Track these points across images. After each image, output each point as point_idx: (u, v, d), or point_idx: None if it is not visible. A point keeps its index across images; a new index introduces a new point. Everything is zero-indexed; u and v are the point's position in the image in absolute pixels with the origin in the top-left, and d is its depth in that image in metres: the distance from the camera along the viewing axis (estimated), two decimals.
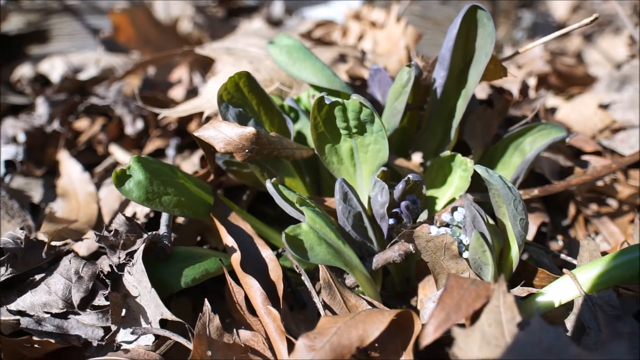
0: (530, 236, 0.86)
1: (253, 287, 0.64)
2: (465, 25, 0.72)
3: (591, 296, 0.61)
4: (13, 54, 1.58)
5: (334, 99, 0.66)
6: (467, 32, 0.73)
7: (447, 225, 0.66)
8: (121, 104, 1.12)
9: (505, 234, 0.66)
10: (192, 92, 1.34)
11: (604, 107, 1.18)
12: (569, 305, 0.64)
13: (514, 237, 0.64)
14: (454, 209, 0.66)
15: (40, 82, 1.40)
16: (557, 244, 0.91)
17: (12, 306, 0.67)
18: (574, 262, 0.80)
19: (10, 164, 1.04)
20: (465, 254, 0.63)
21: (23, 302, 0.67)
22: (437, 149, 0.82)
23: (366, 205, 0.70)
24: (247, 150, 0.66)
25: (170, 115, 0.90)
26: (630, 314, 0.62)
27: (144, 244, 0.64)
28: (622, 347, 0.48)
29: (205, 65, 1.45)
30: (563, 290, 0.61)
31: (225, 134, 0.66)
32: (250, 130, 0.65)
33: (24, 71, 1.44)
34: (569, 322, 0.64)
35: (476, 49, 0.74)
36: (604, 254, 0.69)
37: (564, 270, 0.63)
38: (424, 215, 0.69)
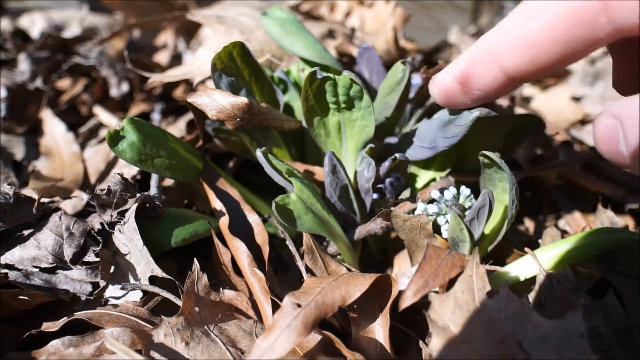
0: None
1: (240, 249, 0.67)
2: None
3: (550, 273, 0.67)
4: None
5: (325, 73, 0.68)
6: None
7: (433, 201, 0.68)
8: (107, 65, 1.11)
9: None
10: (176, 58, 1.33)
11: (577, 99, 1.24)
12: (532, 281, 0.70)
13: (506, 218, 0.67)
14: (443, 188, 0.69)
15: (21, 37, 1.36)
16: (524, 225, 0.97)
17: (1, 260, 0.68)
18: (540, 241, 0.86)
19: None
20: (445, 234, 0.66)
21: (12, 256, 0.68)
22: None
23: (352, 179, 0.73)
24: (238, 119, 0.68)
25: (160, 79, 0.91)
26: (584, 289, 0.68)
27: (137, 204, 0.66)
28: (577, 317, 0.53)
29: (189, 32, 1.44)
30: (526, 267, 0.67)
31: (218, 102, 0.67)
32: (242, 100, 0.67)
33: (2, 25, 1.40)
34: (531, 296, 0.70)
35: None
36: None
37: (526, 249, 0.68)
38: (406, 193, 0.72)
